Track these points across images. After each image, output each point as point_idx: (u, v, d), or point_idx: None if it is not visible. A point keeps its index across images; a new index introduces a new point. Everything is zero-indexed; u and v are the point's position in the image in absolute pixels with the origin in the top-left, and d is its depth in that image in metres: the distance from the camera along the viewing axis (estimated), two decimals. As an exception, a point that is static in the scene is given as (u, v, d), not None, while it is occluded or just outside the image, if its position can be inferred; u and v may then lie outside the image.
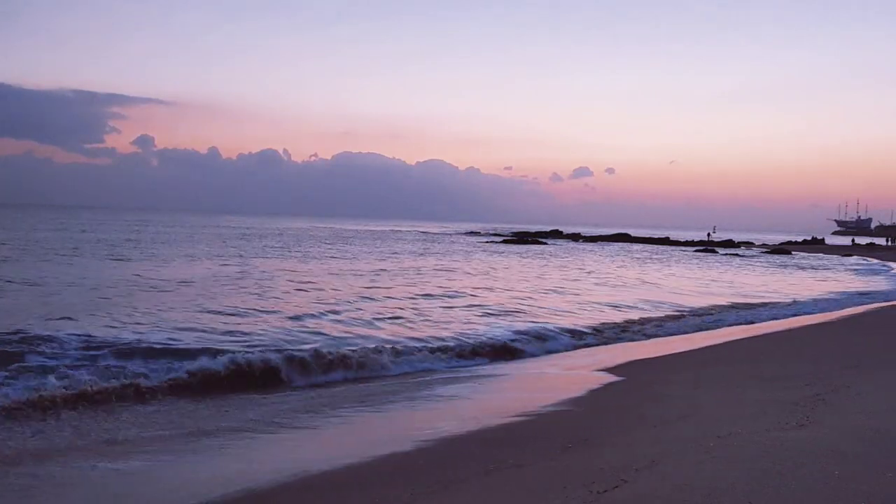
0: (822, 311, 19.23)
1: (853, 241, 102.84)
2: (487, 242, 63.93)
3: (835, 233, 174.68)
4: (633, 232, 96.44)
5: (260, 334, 12.18)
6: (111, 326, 12.00)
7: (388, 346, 11.60)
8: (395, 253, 43.02)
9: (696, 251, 61.06)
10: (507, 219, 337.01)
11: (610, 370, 9.88)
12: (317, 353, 10.25)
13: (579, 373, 10.15)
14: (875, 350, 10.90)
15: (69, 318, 12.54)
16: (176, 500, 4.93)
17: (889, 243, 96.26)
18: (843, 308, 19.67)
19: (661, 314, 17.47)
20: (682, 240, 79.32)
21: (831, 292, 25.27)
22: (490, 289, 22.40)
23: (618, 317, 16.66)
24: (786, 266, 43.23)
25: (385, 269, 29.11)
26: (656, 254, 53.56)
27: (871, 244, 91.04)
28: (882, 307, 19.42)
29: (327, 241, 55.62)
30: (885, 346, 11.49)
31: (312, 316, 14.67)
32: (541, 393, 8.59)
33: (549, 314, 16.55)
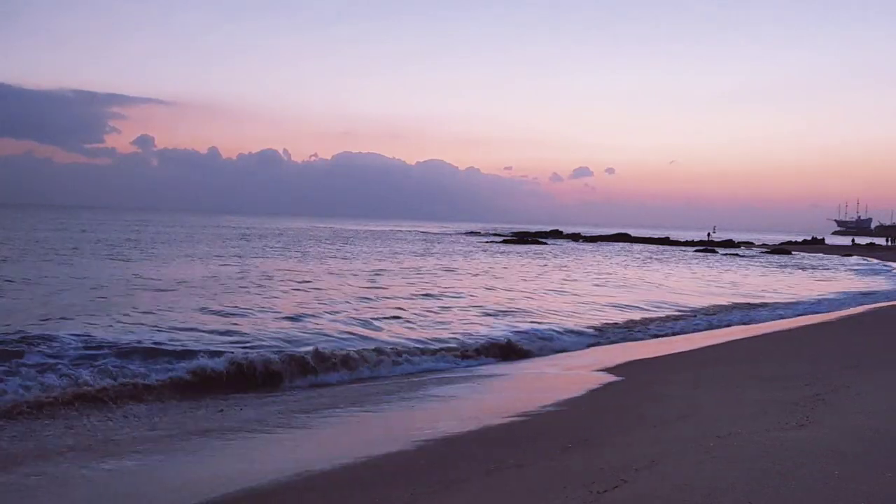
0: (827, 311, 19.22)
1: (853, 241, 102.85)
2: (488, 242, 63.92)
3: (835, 233, 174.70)
4: (633, 232, 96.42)
5: (260, 334, 12.18)
6: (111, 326, 12.00)
7: (387, 346, 11.59)
8: (396, 253, 43.01)
9: (697, 251, 61.04)
10: (507, 219, 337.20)
11: (610, 370, 9.88)
12: (317, 354, 10.26)
13: (579, 373, 10.15)
14: (875, 350, 10.91)
15: (69, 318, 12.55)
16: (177, 500, 4.93)
17: (889, 243, 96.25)
18: (847, 308, 19.68)
19: (661, 314, 17.47)
20: (682, 240, 79.29)
21: (833, 292, 25.27)
22: (490, 289, 22.40)
23: (618, 317, 16.66)
24: (786, 266, 43.21)
25: (385, 269, 29.11)
26: (656, 254, 53.54)
27: (871, 244, 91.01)
28: (881, 307, 19.43)
29: (327, 242, 55.62)
30: (885, 346, 11.49)
31: (312, 316, 14.67)
32: (541, 393, 8.59)
33: (549, 314, 16.55)
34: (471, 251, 48.68)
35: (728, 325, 16.02)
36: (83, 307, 14.30)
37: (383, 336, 12.74)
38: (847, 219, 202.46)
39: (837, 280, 32.86)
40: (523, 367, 11.23)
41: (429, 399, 8.50)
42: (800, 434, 5.32)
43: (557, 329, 14.26)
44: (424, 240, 67.98)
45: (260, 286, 20.17)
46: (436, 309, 16.76)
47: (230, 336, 11.88)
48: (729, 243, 74.91)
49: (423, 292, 20.34)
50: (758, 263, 45.30)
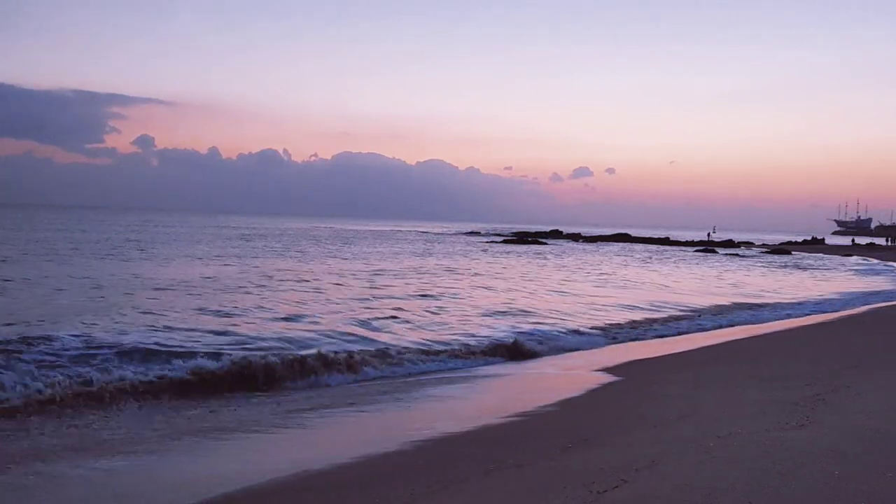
0: (832, 311, 19.21)
1: (853, 241, 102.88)
2: (488, 243, 63.91)
3: (835, 233, 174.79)
4: (633, 232, 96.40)
5: (260, 335, 12.16)
6: (111, 326, 11.98)
7: (387, 346, 11.58)
8: (396, 253, 43.01)
9: (697, 251, 61.04)
10: (507, 219, 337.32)
11: (610, 370, 9.87)
12: (317, 355, 10.25)
13: (579, 373, 10.14)
14: (875, 350, 10.90)
15: (69, 318, 12.53)
16: (175, 500, 4.92)
17: (889, 243, 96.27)
18: (853, 308, 19.68)
19: (662, 314, 17.45)
20: (682, 240, 79.28)
21: (835, 292, 25.27)
22: (491, 289, 22.40)
23: (619, 317, 16.64)
24: (786, 266, 43.21)
25: (385, 270, 29.10)
26: (656, 254, 53.55)
27: (871, 244, 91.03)
28: (881, 307, 19.44)
29: (327, 242, 55.63)
30: (885, 346, 11.49)
31: (312, 316, 14.65)
32: (541, 393, 8.58)
33: (549, 314, 16.54)
34: (471, 251, 48.68)
35: (730, 326, 16.01)
36: (83, 307, 14.29)
37: (384, 337, 12.72)
38: (847, 219, 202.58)
39: (839, 280, 32.85)
40: (523, 366, 11.22)
41: (427, 399, 8.50)
42: (800, 434, 5.31)
43: (560, 330, 14.24)
44: (424, 240, 67.98)
45: (260, 286, 20.16)
46: (436, 309, 16.75)
47: (229, 336, 11.86)
48: (729, 243, 74.90)
49: (424, 292, 20.33)
50: (758, 264, 45.29)
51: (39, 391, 7.88)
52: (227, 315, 14.16)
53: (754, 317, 17.81)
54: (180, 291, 18.04)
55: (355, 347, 11.28)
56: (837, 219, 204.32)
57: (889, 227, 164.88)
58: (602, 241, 77.07)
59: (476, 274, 28.77)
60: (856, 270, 40.85)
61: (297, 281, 22.39)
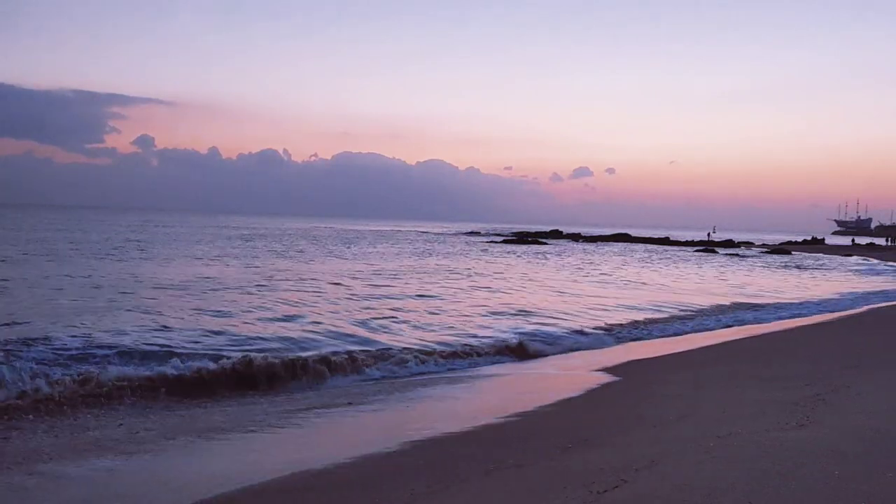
0: (833, 311, 19.20)
1: (853, 241, 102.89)
2: (488, 243, 63.90)
3: (835, 233, 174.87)
4: (633, 232, 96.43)
5: (260, 335, 12.16)
6: (110, 326, 11.98)
7: (387, 347, 11.59)
8: (396, 253, 43.01)
9: (697, 251, 61.03)
10: (507, 219, 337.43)
11: (610, 370, 9.87)
12: (317, 355, 10.25)
13: (579, 373, 10.14)
14: (875, 350, 10.90)
15: (68, 318, 12.53)
16: (176, 500, 4.92)
17: (889, 243, 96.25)
18: (852, 308, 19.68)
19: (662, 314, 17.45)
20: (682, 240, 79.30)
21: (836, 292, 25.26)
22: (491, 289, 22.39)
23: (620, 317, 16.64)
24: (786, 266, 43.19)
25: (386, 270, 29.10)
26: (656, 254, 53.54)
27: (871, 244, 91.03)
28: (881, 307, 19.43)
29: (327, 242, 55.62)
30: (885, 346, 11.48)
31: (312, 316, 14.66)
32: (541, 393, 8.58)
33: (549, 314, 16.53)
34: (471, 251, 48.67)
35: (730, 326, 16.01)
36: (82, 307, 14.29)
37: (383, 336, 12.72)
38: (847, 219, 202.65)
39: (839, 280, 32.84)
40: (524, 367, 11.22)
41: (428, 399, 8.50)
42: (800, 434, 5.31)
43: (562, 330, 14.24)
44: (425, 240, 67.98)
45: (260, 286, 20.16)
46: (436, 309, 16.75)
47: (229, 336, 11.86)
48: (729, 243, 74.90)
49: (424, 292, 20.33)
50: (759, 264, 45.28)
51: (39, 390, 7.88)
52: (227, 315, 14.16)
53: (754, 317, 17.80)
54: (180, 291, 18.04)
55: (356, 348, 11.27)
56: (837, 219, 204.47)
57: (889, 227, 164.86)
58: (602, 241, 77.07)
59: (476, 274, 28.76)
60: (856, 270, 40.84)
61: (297, 281, 22.39)
